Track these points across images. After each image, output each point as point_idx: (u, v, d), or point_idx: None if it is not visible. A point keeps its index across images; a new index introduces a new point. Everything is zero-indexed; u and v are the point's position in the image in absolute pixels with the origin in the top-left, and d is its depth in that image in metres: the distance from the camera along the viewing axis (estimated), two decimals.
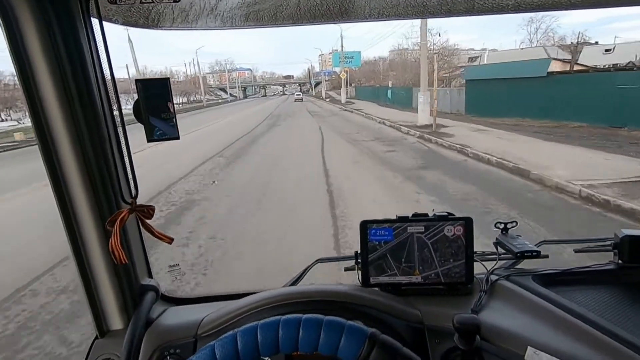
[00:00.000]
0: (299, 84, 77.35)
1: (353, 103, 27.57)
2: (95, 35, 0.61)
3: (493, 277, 0.81)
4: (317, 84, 58.39)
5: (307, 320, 0.56)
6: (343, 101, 28.77)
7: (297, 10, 0.70)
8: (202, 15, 0.69)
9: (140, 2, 0.59)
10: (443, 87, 19.30)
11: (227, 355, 0.50)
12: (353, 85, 41.68)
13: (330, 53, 51.32)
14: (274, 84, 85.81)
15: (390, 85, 27.10)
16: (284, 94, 76.06)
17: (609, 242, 0.86)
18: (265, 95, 78.02)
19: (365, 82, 41.33)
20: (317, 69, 71.71)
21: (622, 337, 0.58)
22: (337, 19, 0.74)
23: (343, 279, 0.89)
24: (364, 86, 39.27)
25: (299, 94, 48.54)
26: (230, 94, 66.08)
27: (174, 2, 0.60)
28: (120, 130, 0.67)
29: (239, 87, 70.63)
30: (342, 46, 28.73)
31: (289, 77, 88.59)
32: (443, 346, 0.70)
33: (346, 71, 33.71)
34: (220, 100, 53.63)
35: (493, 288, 0.79)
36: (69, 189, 0.67)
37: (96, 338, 0.77)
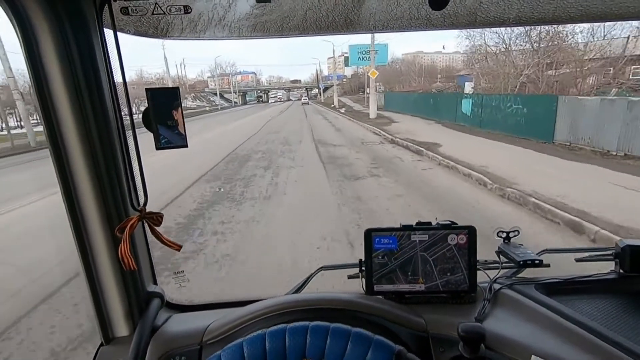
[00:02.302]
0: (306, 89, 79.23)
1: (389, 120, 17.57)
2: (108, 45, 0.72)
3: (496, 286, 0.92)
4: (326, 88, 58.62)
5: (334, 330, 0.69)
6: (373, 116, 18.73)
7: (304, 21, 0.83)
8: (211, 25, 0.82)
9: (152, 14, 0.71)
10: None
11: None
12: (379, 90, 32.39)
13: (340, 56, 52.69)
14: (278, 89, 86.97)
15: (469, 92, 16.96)
16: (289, 100, 76.75)
17: (609, 252, 0.97)
18: (265, 102, 75.10)
19: (386, 85, 40.01)
20: (325, 73, 72.86)
21: (625, 345, 0.66)
22: (343, 30, 0.87)
23: (347, 286, 0.98)
24: (395, 92, 31.56)
25: (305, 99, 55.55)
26: (226, 99, 66.39)
27: (184, 13, 0.72)
28: (130, 137, 0.77)
29: (235, 91, 71.15)
30: (372, 42, 20.00)
31: (296, 81, 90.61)
32: (448, 354, 0.79)
33: (370, 70, 27.91)
34: (208, 108, 49.38)
35: (496, 297, 0.89)
36: (79, 195, 0.77)
37: (101, 345, 0.86)
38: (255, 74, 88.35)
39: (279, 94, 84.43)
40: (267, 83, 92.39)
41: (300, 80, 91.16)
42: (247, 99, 75.67)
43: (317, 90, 70.28)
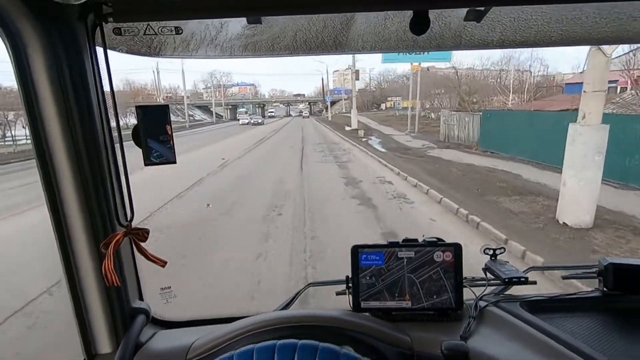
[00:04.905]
0: (309, 103, 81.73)
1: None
2: (99, 62, 0.84)
3: (482, 303, 1.06)
4: (333, 103, 59.89)
5: (322, 349, 0.79)
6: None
7: (294, 42, 0.98)
8: (203, 45, 0.96)
9: (144, 34, 0.83)
10: None
11: None
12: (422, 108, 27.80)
13: (347, 69, 53.86)
14: (275, 102, 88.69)
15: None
16: (289, 115, 78.35)
17: (593, 270, 1.12)
18: (239, 120, 56.42)
19: (424, 101, 36.44)
20: (330, 87, 73.58)
21: None
22: (332, 50, 1.03)
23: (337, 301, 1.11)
24: (510, 111, 18.62)
25: (306, 114, 60.53)
26: (216, 113, 66.23)
27: (175, 34, 0.84)
28: (118, 153, 0.89)
29: (222, 104, 70.93)
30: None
31: (300, 95, 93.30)
32: None
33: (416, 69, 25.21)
34: (188, 125, 46.24)
35: (482, 314, 1.03)
36: (65, 209, 0.88)
37: None
38: (254, 85, 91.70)
39: (269, 109, 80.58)
40: (269, 96, 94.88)
41: (304, 95, 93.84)
42: (238, 113, 71.34)
43: (322, 104, 71.52)
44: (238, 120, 56.05)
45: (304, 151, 17.90)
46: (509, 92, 26.23)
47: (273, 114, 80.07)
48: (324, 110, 66.71)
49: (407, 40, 1.01)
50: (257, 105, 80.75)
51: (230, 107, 75.29)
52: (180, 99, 62.61)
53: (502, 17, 0.91)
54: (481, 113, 17.11)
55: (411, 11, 0.78)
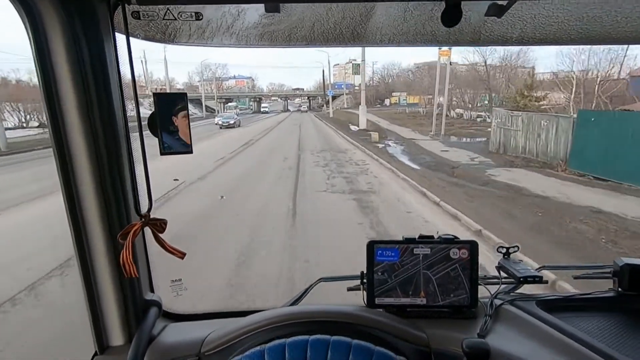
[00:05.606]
0: (308, 97, 79.64)
1: None
2: (119, 49, 0.87)
3: (497, 302, 1.10)
4: (335, 97, 57.38)
5: (334, 343, 0.85)
6: None
7: (311, 32, 1.00)
8: (219, 33, 0.98)
9: (163, 19, 0.85)
10: None
11: None
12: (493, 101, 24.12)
13: (348, 63, 52.50)
14: (272, 96, 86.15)
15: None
16: (286, 110, 75.42)
17: (608, 270, 1.17)
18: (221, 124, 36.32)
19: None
20: (331, 81, 72.40)
21: None
22: (349, 43, 1.05)
23: (347, 297, 1.16)
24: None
25: (305, 108, 59.16)
26: (207, 106, 64.11)
27: (195, 19, 0.86)
28: (138, 142, 0.89)
29: (214, 97, 68.14)
30: None
31: (299, 89, 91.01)
32: None
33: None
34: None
35: (498, 312, 1.07)
36: (81, 198, 0.89)
37: (95, 354, 0.99)
38: (252, 78, 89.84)
39: (263, 104, 74.76)
40: (268, 90, 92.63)
41: (303, 89, 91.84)
42: (226, 107, 67.76)
43: (321, 99, 68.66)
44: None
45: (300, 168, 12.21)
46: (572, 87, 20.11)
47: (267, 109, 71.09)
48: (324, 105, 63.64)
49: (425, 34, 1.01)
50: (253, 99, 78.11)
51: (224, 100, 72.46)
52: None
53: (524, 13, 0.92)
54: (574, 114, 11.19)
55: (441, 2, 0.80)
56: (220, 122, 31.56)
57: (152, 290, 1.09)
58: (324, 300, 1.10)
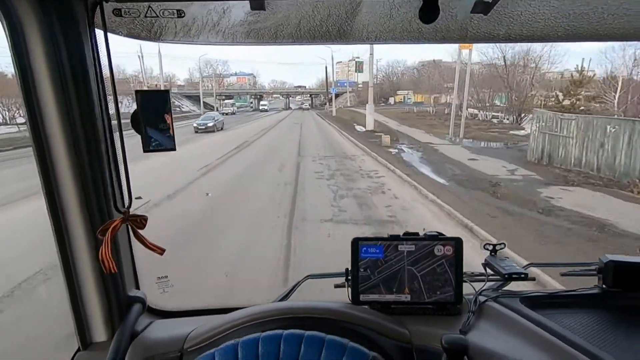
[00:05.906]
0: (310, 95, 78.49)
1: None
2: (99, 45, 0.84)
3: (481, 298, 1.10)
4: (338, 95, 56.36)
5: (308, 338, 0.83)
6: None
7: (297, 30, 0.99)
8: (204, 30, 0.97)
9: (145, 16, 0.84)
10: None
11: None
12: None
13: (351, 60, 52.38)
14: (273, 93, 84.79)
15: None
16: (288, 108, 73.97)
17: (593, 267, 1.16)
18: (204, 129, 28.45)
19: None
20: (333, 79, 71.86)
21: None
22: (336, 40, 1.05)
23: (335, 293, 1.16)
24: None
25: (307, 106, 58.08)
26: (205, 103, 63.32)
27: (177, 17, 0.84)
28: (117, 138, 0.90)
29: (213, 94, 66.95)
30: None
31: (301, 87, 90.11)
32: None
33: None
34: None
35: (481, 309, 1.07)
36: (61, 194, 0.89)
37: (78, 350, 0.98)
38: (253, 75, 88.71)
39: (262, 102, 70.74)
40: (269, 87, 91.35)
41: (305, 86, 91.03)
42: (222, 105, 63.99)
43: (324, 97, 67.02)
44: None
45: (300, 181, 9.79)
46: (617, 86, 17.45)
47: (266, 107, 65.52)
48: (327, 103, 61.60)
49: (412, 32, 1.01)
50: (254, 97, 76.72)
51: (224, 97, 70.97)
52: (177, 88, 61.78)
53: (510, 10, 0.92)
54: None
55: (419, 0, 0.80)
56: (195, 125, 24.98)
57: (137, 287, 1.10)
58: (313, 297, 1.10)
